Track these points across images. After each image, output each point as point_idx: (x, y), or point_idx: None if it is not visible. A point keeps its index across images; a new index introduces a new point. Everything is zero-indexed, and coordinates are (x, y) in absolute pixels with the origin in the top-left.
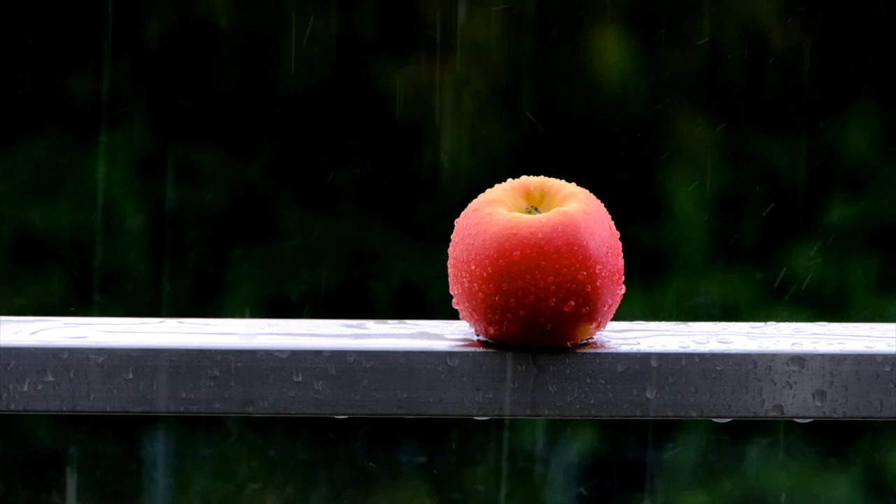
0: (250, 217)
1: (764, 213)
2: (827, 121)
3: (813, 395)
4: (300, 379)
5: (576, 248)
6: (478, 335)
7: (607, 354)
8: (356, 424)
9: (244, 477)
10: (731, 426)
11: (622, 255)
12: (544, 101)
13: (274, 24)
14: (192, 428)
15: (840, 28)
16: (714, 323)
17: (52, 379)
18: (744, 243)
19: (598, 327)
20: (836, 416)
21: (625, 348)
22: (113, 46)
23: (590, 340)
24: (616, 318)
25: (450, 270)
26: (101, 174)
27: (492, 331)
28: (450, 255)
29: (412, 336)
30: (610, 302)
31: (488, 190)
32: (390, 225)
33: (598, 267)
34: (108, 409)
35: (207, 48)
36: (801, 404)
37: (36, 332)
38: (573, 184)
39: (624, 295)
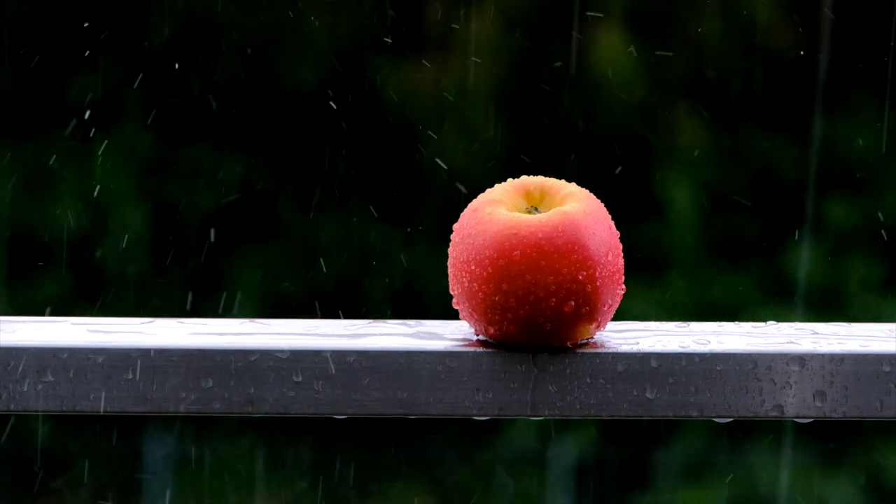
0: (250, 217)
1: (763, 213)
2: (827, 120)
3: (813, 395)
4: (300, 379)
5: (576, 248)
6: (478, 335)
7: (607, 354)
8: (356, 424)
9: (243, 476)
10: (732, 426)
11: (622, 255)
12: (543, 100)
13: (274, 24)
14: (192, 427)
15: (840, 28)
16: (714, 323)
17: (52, 379)
18: (743, 243)
19: (598, 327)
20: (836, 416)
21: (625, 348)
22: (112, 46)
23: (590, 340)
24: (616, 317)
25: (450, 270)
26: (101, 174)
27: (492, 331)
28: (450, 255)
29: (412, 336)
30: (610, 302)
31: (488, 190)
32: (390, 225)
33: (599, 267)
34: (108, 409)
35: (208, 47)
36: (801, 404)
37: (36, 332)
38: (573, 184)
39: (624, 295)
